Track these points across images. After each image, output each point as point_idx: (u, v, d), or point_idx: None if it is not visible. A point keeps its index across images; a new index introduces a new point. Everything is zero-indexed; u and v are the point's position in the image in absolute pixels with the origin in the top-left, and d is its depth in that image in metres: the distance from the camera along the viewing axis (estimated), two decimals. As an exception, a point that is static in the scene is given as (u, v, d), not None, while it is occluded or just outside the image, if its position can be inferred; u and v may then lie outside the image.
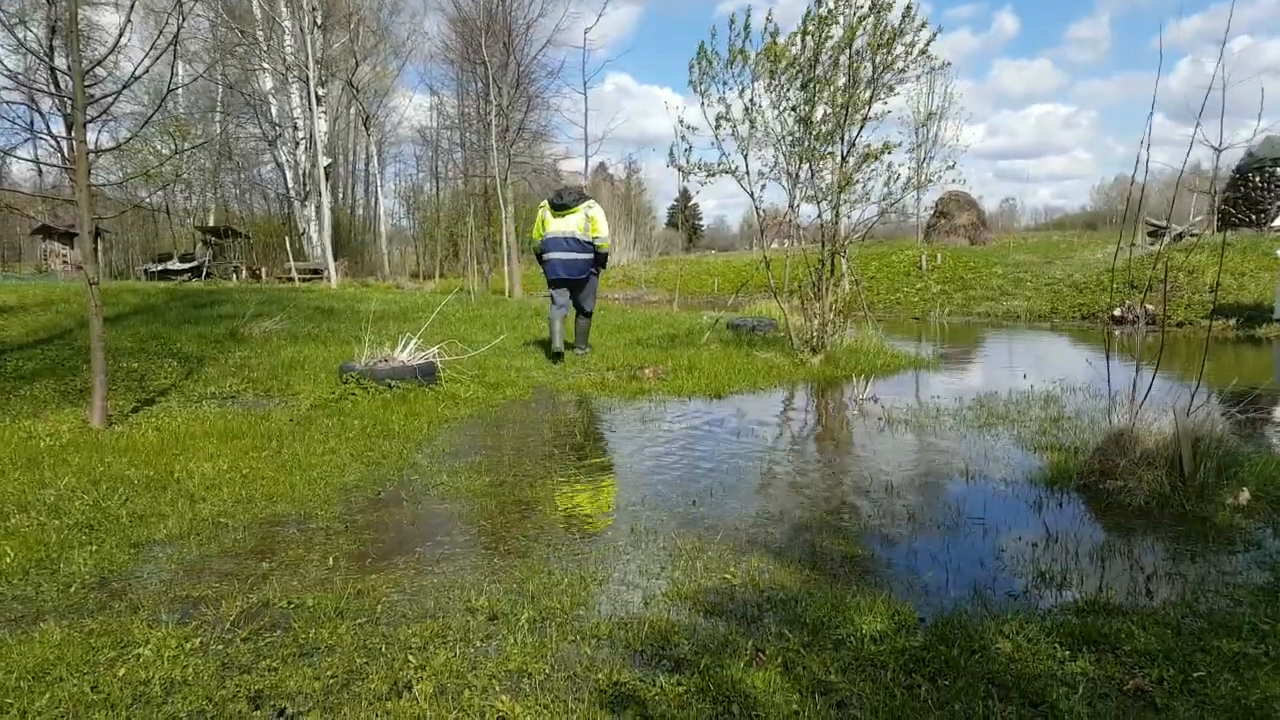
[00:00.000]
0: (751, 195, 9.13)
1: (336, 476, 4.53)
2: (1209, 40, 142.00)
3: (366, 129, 36.89)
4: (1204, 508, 3.78)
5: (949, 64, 8.37)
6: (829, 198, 8.76)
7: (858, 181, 8.56)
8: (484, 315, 13.11)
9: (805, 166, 8.77)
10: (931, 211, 29.58)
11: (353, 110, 40.97)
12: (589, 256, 9.09)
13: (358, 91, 34.75)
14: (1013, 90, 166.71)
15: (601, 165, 60.44)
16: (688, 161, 8.77)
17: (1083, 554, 3.35)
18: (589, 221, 8.97)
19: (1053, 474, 4.43)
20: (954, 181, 13.65)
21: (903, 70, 8.37)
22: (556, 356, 9.10)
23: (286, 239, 27.05)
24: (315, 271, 28.93)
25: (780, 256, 9.31)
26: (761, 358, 9.01)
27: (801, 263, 9.27)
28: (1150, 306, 13.85)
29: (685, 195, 76.90)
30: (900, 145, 8.49)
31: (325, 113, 33.91)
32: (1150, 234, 24.74)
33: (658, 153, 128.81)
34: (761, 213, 9.30)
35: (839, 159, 8.65)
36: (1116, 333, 13.36)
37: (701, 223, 72.75)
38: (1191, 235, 22.45)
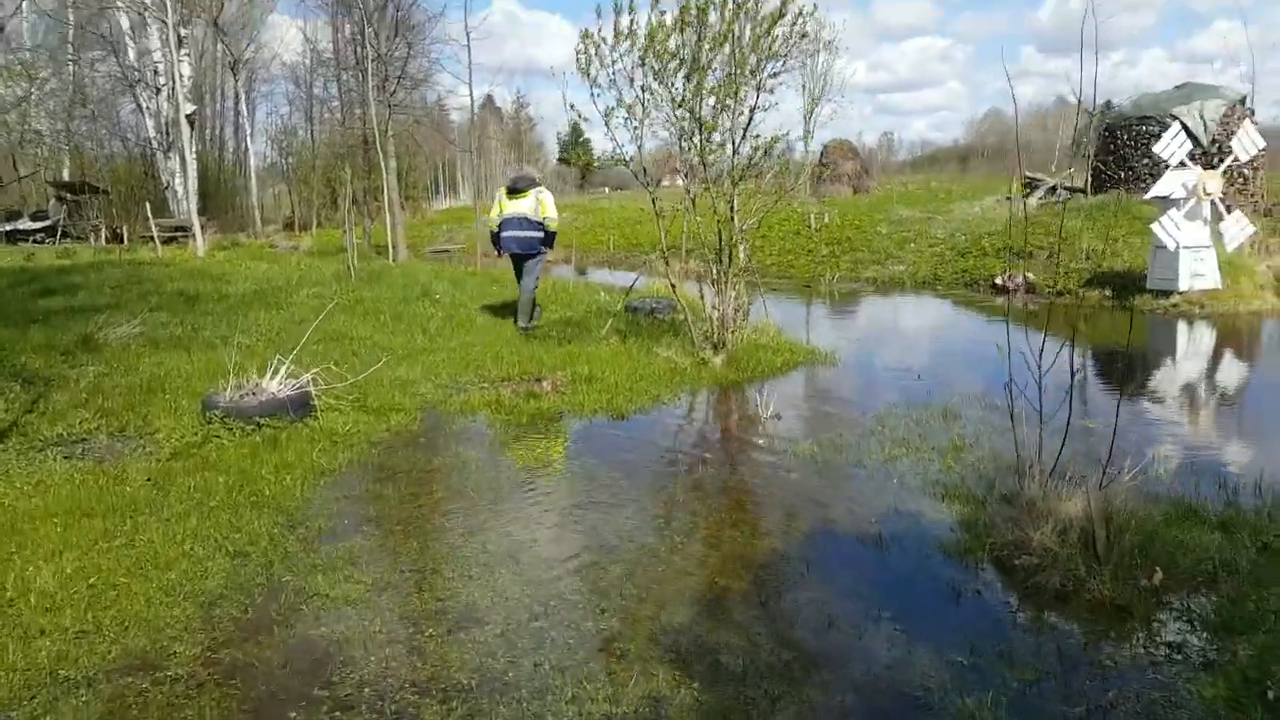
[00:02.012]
0: (646, 185, 8.72)
1: (198, 580, 4.01)
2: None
3: (234, 74, 34.68)
4: (1121, 592, 3.62)
5: (832, 42, 8.07)
6: (724, 190, 8.41)
7: (752, 174, 8.24)
8: (365, 300, 12.39)
9: (698, 159, 8.41)
10: (816, 162, 29.60)
11: (219, 48, 38.50)
12: (539, 234, 10.56)
13: (224, 32, 32.57)
14: (894, 23, 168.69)
15: (489, 99, 58.57)
16: (583, 152, 8.27)
17: (1008, 676, 3.13)
18: (539, 204, 10.43)
19: (964, 539, 4.24)
20: (832, 116, 13.30)
21: (785, 56, 8.04)
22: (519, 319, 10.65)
23: (138, 199, 25.22)
24: (181, 229, 27.17)
25: (676, 204, 8.92)
26: (662, 357, 8.68)
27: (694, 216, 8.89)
28: (1030, 275, 14.04)
29: (576, 130, 75.45)
30: (784, 88, 8.17)
31: (188, 54, 31.72)
32: (1025, 185, 25.25)
33: (548, 85, 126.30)
34: (658, 204, 8.88)
35: (731, 151, 8.30)
36: (998, 301, 13.51)
37: (595, 158, 71.49)
38: (1065, 189, 22.98)
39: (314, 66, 37.02)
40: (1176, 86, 19.00)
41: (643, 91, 8.22)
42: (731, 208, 8.38)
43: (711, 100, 8.04)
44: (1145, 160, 18.15)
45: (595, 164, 65.45)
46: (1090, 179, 19.81)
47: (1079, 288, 13.34)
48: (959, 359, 9.47)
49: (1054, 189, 22.83)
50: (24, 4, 34.19)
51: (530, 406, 7.06)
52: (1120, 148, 18.75)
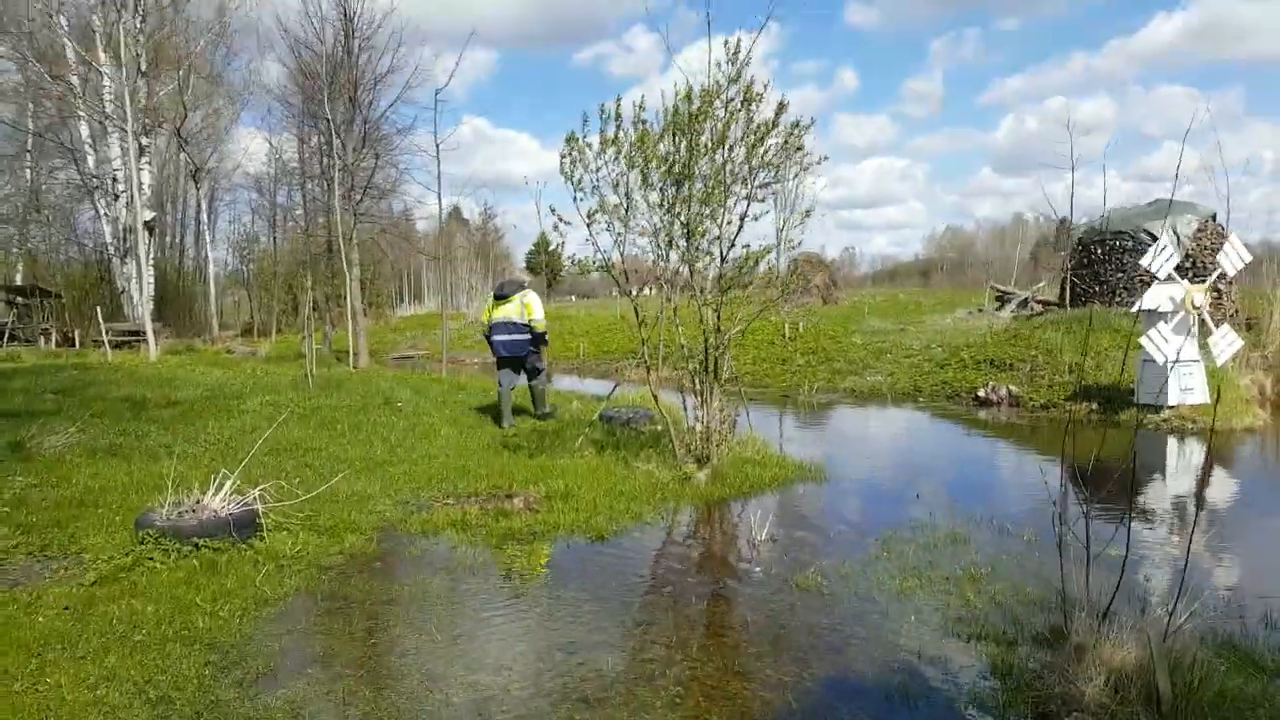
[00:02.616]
0: (627, 294, 8.31)
1: (106, 743, 3.34)
2: (1028, 98, 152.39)
3: (196, 183, 34.41)
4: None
5: (826, 158, 7.80)
6: (710, 300, 8.02)
7: (740, 282, 7.88)
8: (323, 408, 11.75)
9: (684, 268, 8.05)
10: (789, 273, 29.69)
11: (182, 157, 38.30)
12: (526, 336, 10.93)
13: (186, 142, 32.40)
14: (854, 143, 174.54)
15: (456, 209, 58.87)
16: (560, 257, 7.87)
17: None
18: (524, 307, 10.87)
19: (1001, 691, 3.66)
20: (799, 245, 13.04)
21: (777, 168, 7.75)
22: (504, 422, 10.87)
23: (98, 306, 24.55)
24: (135, 333, 26.43)
25: (655, 312, 8.48)
26: (642, 471, 8.13)
27: (675, 323, 8.42)
28: (1014, 388, 13.74)
29: (545, 241, 76.02)
30: (767, 213, 7.85)
31: (149, 163, 31.47)
32: (997, 299, 25.39)
33: (515, 198, 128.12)
34: (640, 311, 8.45)
35: (719, 260, 7.95)
36: (982, 414, 13.16)
37: (564, 270, 71.84)
38: (1037, 301, 23.07)
39: (278, 175, 36.93)
40: (1149, 203, 19.27)
41: (626, 197, 7.88)
42: (717, 316, 7.96)
43: (699, 207, 7.70)
44: (1119, 274, 18.27)
45: (562, 272, 65.80)
46: (1064, 292, 19.84)
47: (1064, 401, 13.02)
48: (954, 476, 8.99)
49: (1025, 301, 22.92)
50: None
51: (500, 526, 6.44)
52: (1094, 262, 18.85)
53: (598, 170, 7.86)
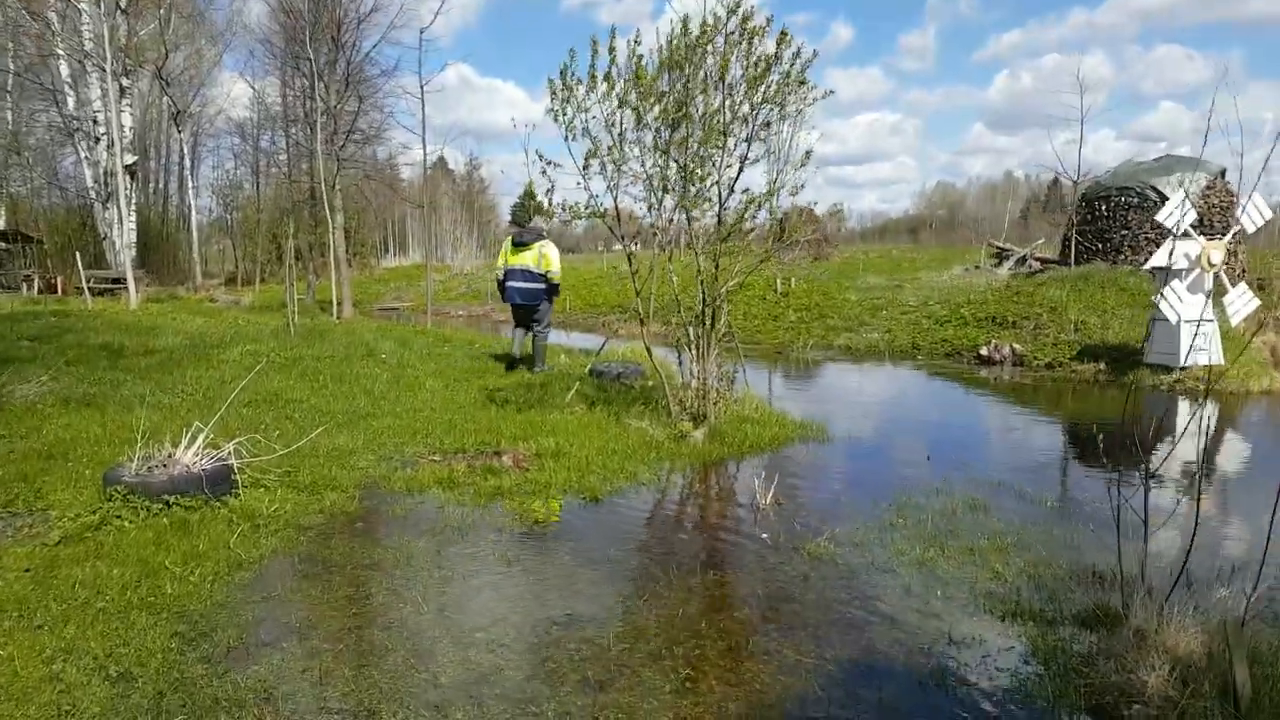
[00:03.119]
0: (622, 240, 7.93)
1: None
2: (1025, 54, 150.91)
3: (176, 125, 33.57)
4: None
5: (831, 92, 7.36)
6: (708, 249, 7.65)
7: (740, 230, 7.50)
8: (305, 358, 11.36)
9: (680, 215, 7.67)
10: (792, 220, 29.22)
11: (165, 101, 37.32)
12: (541, 286, 10.85)
13: (168, 84, 31.52)
14: (845, 97, 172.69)
15: (441, 160, 57.94)
16: (550, 203, 7.47)
17: None
18: (541, 257, 10.73)
19: (1049, 679, 3.36)
20: (802, 188, 12.57)
21: (780, 104, 7.31)
22: (511, 366, 11.18)
23: (78, 251, 23.97)
24: (117, 281, 25.82)
25: (639, 265, 8.10)
26: (635, 428, 7.82)
27: (670, 274, 8.07)
28: (1017, 346, 13.45)
29: (529, 194, 75.11)
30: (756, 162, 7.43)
31: (130, 105, 30.64)
32: (993, 256, 25.04)
33: (500, 148, 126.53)
34: (634, 259, 8.08)
35: (718, 205, 7.56)
36: (984, 373, 12.88)
37: (549, 223, 70.95)
38: (1035, 259, 22.74)
39: (261, 121, 36.07)
40: (1155, 159, 18.87)
41: (619, 139, 7.47)
42: (715, 266, 7.60)
43: (697, 148, 7.30)
44: (1124, 232, 17.92)
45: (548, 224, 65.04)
46: (1066, 249, 19.52)
47: (1070, 360, 12.74)
48: (964, 437, 8.71)
49: (1023, 259, 22.59)
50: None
51: (489, 485, 6.12)
52: (1098, 218, 18.47)
53: (588, 110, 7.44)
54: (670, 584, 4.43)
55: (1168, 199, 18.03)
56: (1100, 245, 18.43)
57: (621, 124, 7.45)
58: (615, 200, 7.68)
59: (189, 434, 5.79)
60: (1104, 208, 18.53)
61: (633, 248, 8.01)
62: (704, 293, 7.65)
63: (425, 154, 19.79)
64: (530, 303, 10.93)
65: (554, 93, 7.37)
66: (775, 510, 5.69)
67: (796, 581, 4.48)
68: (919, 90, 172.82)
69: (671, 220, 7.97)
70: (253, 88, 32.85)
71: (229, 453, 5.80)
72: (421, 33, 19.39)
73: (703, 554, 4.94)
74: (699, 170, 7.33)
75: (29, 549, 4.70)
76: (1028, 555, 4.80)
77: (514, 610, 4.07)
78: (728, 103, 7.14)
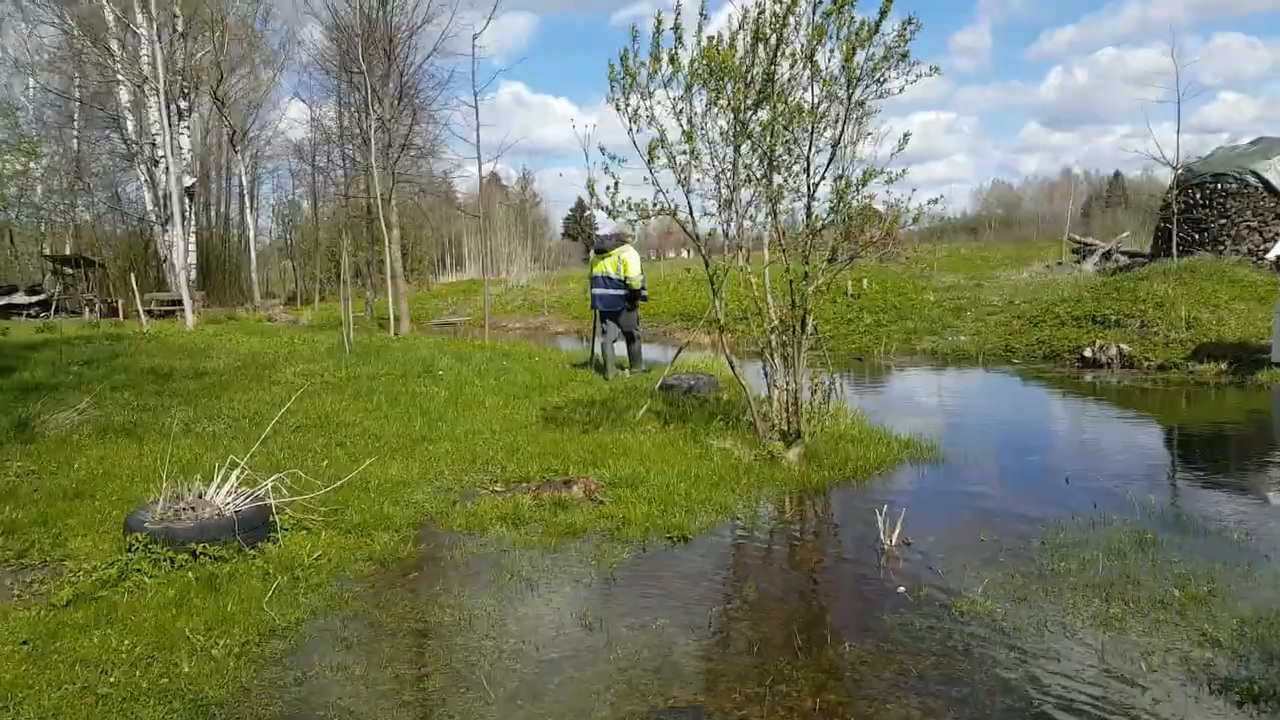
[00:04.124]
0: (696, 239, 7.12)
1: None
2: (1079, 50, 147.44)
3: (234, 146, 33.59)
4: None
5: (937, 69, 6.42)
6: (798, 247, 6.81)
7: (841, 217, 6.64)
8: (359, 377, 10.72)
9: (767, 208, 6.84)
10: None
11: (224, 126, 37.46)
12: (621, 292, 10.92)
13: (223, 105, 31.51)
14: (900, 98, 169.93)
15: (495, 176, 57.78)
16: (614, 202, 6.67)
17: None
18: (621, 264, 10.81)
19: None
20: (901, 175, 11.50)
21: (882, 80, 6.42)
22: (604, 373, 10.93)
23: (133, 273, 23.85)
24: (176, 303, 25.69)
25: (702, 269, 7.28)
26: (718, 449, 6.99)
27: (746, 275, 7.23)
28: (1125, 346, 12.35)
29: (581, 205, 74.84)
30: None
31: (189, 128, 30.66)
32: (1075, 251, 23.74)
33: (553, 161, 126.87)
34: (708, 258, 7.25)
35: (806, 196, 6.70)
36: (1089, 377, 11.80)
37: (598, 233, 70.61)
38: (1120, 253, 21.44)
39: (317, 141, 35.93)
40: (1251, 142, 17.56)
41: (689, 124, 6.66)
42: (805, 261, 6.74)
43: (783, 131, 6.46)
44: (1222, 221, 16.63)
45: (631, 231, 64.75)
46: (1158, 241, 18.26)
47: (1185, 361, 11.60)
48: (1093, 453, 7.66)
49: (1108, 254, 21.34)
50: (30, 86, 33.64)
51: (558, 521, 5.34)
52: (1193, 207, 17.17)
53: (653, 95, 6.65)
54: (798, 661, 3.58)
55: (1270, 184, 16.82)
56: (1197, 236, 17.11)
57: (691, 108, 6.65)
58: (687, 194, 6.88)
59: (222, 470, 5.11)
60: (1199, 196, 17.22)
61: (685, 254, 7.19)
62: (794, 293, 6.79)
63: (480, 163, 19.11)
64: (611, 308, 10.98)
65: (614, 79, 6.59)
66: (904, 552, 4.80)
67: (956, 655, 3.59)
68: (973, 88, 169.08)
69: (749, 216, 7.17)
70: (308, 105, 32.76)
71: (267, 491, 5.10)
72: (474, 39, 18.80)
73: (830, 616, 4.08)
74: (786, 156, 6.49)
75: (33, 613, 4.03)
76: (1237, 609, 3.84)
77: (601, 699, 3.26)
78: (821, 78, 6.29)
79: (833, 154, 6.50)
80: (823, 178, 6.56)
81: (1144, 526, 5.07)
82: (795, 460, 6.65)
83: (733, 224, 7.10)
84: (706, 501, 5.69)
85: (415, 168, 28.19)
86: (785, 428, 7.02)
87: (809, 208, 6.68)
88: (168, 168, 23.39)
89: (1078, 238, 24.79)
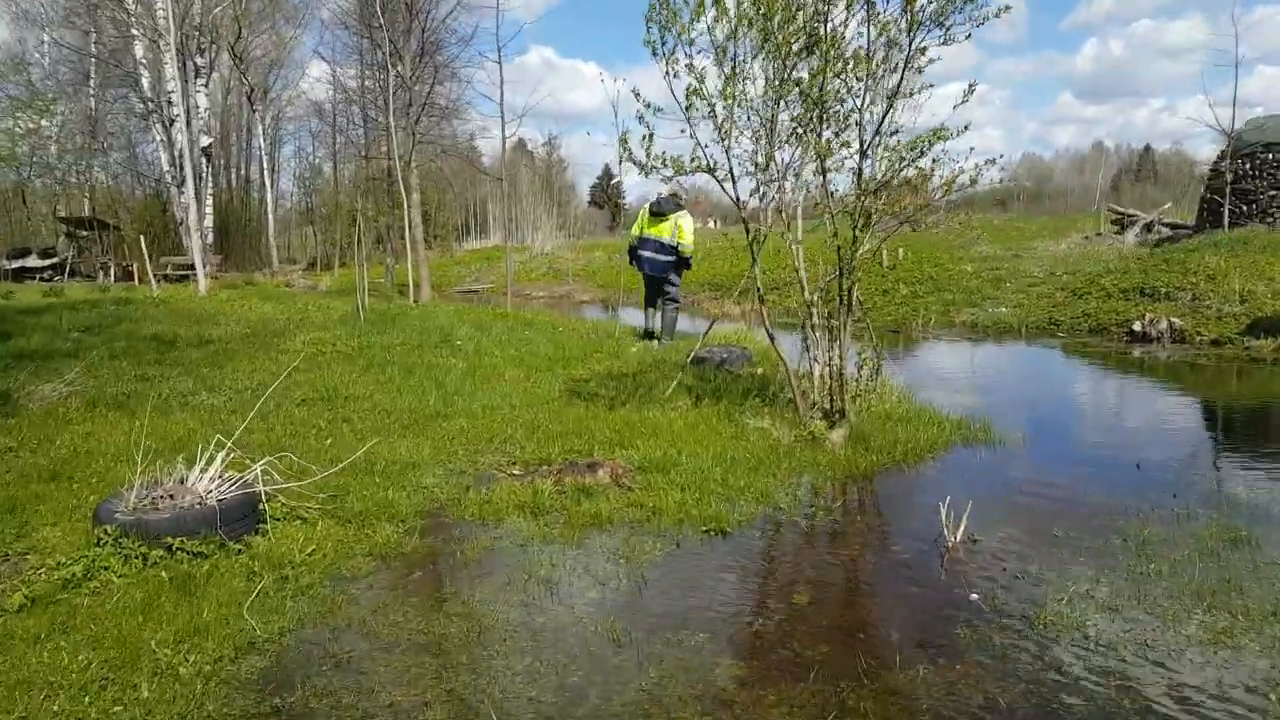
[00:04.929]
0: (736, 201, 6.52)
1: None
2: (1115, 21, 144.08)
3: (251, 104, 33.03)
4: None
5: (1008, 8, 5.73)
6: (847, 206, 6.19)
7: (898, 177, 5.99)
8: (373, 346, 10.19)
9: (815, 165, 6.20)
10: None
11: (245, 86, 36.86)
12: (672, 259, 10.54)
13: (241, 60, 30.89)
14: (932, 69, 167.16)
15: (521, 142, 56.97)
16: (649, 155, 6.06)
17: None
18: (677, 229, 10.41)
19: None
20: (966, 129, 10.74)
21: (944, 24, 5.73)
22: (647, 335, 10.99)
23: (156, 236, 23.43)
24: (193, 266, 25.23)
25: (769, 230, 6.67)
26: (755, 429, 6.42)
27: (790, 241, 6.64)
28: (1176, 320, 11.64)
29: (608, 173, 73.99)
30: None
31: (205, 86, 30.10)
32: (1114, 223, 22.88)
33: (581, 128, 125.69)
34: (747, 222, 6.64)
35: (858, 154, 6.06)
36: (1137, 352, 11.13)
37: (625, 201, 69.82)
38: (1163, 225, 20.60)
39: (338, 101, 35.30)
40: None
41: (732, 70, 6.04)
42: (855, 227, 6.12)
43: (835, 80, 5.82)
44: (1273, 192, 15.82)
45: (626, 205, 63.94)
46: (1203, 213, 17.44)
47: (1240, 336, 10.91)
48: (1161, 435, 7.04)
49: (1150, 225, 20.50)
50: (44, 37, 33.05)
51: (582, 511, 4.78)
52: (1241, 178, 16.34)
53: (694, 41, 6.02)
54: (863, 688, 3.02)
55: (1320, 153, 15.98)
56: (1245, 207, 16.30)
57: (734, 54, 6.01)
58: (727, 151, 6.25)
59: (206, 452, 4.57)
60: (1248, 166, 16.38)
61: (711, 225, 6.59)
62: (841, 260, 6.18)
63: (504, 123, 18.46)
64: (659, 273, 10.65)
65: (653, 18, 5.95)
66: (970, 551, 4.23)
67: (1048, 681, 3.02)
68: (1007, 60, 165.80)
69: (791, 178, 6.56)
70: (329, 65, 32.12)
71: (256, 476, 4.57)
72: (498, -12, 18.09)
73: (895, 630, 3.50)
74: (838, 107, 5.86)
75: (-14, 616, 3.52)
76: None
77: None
78: (878, 20, 5.64)
79: (889, 106, 5.85)
80: (878, 132, 5.91)
81: (1233, 521, 4.50)
82: (840, 442, 6.06)
83: (773, 186, 6.50)
84: (745, 489, 5.12)
85: (438, 129, 27.55)
86: (828, 406, 6.44)
87: (860, 166, 6.04)
88: (183, 126, 22.94)
89: (1118, 208, 23.90)
